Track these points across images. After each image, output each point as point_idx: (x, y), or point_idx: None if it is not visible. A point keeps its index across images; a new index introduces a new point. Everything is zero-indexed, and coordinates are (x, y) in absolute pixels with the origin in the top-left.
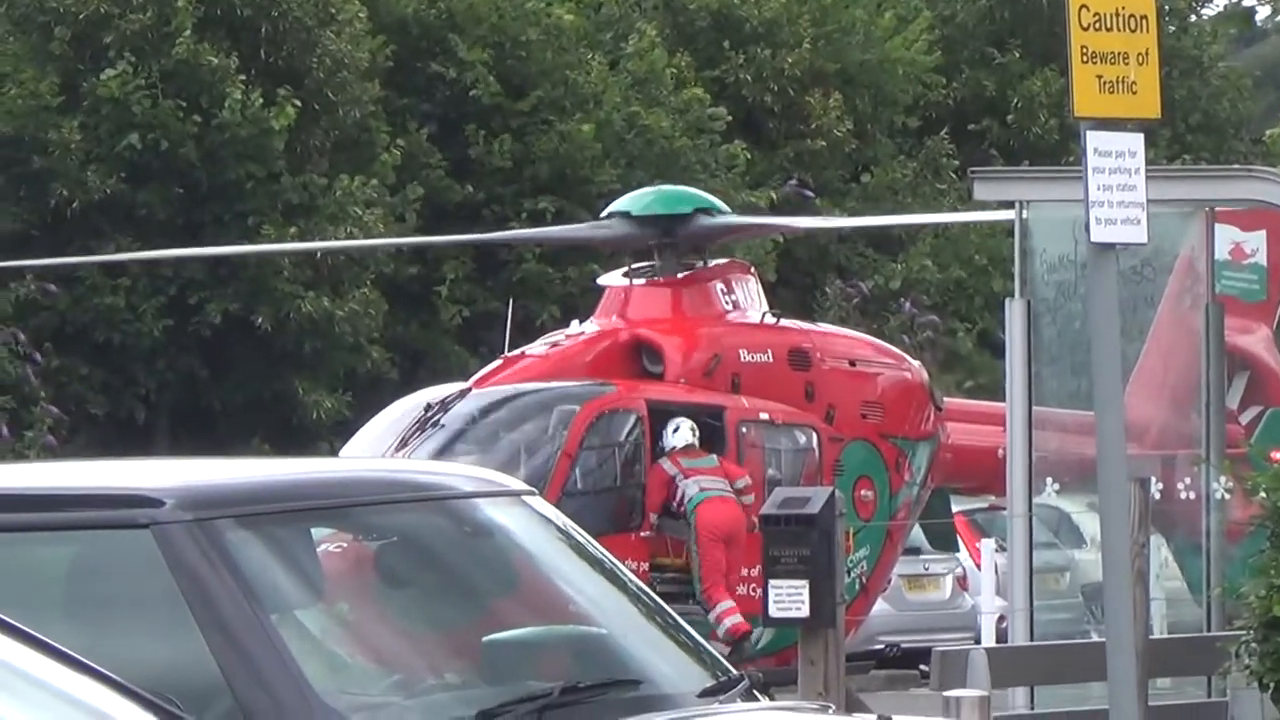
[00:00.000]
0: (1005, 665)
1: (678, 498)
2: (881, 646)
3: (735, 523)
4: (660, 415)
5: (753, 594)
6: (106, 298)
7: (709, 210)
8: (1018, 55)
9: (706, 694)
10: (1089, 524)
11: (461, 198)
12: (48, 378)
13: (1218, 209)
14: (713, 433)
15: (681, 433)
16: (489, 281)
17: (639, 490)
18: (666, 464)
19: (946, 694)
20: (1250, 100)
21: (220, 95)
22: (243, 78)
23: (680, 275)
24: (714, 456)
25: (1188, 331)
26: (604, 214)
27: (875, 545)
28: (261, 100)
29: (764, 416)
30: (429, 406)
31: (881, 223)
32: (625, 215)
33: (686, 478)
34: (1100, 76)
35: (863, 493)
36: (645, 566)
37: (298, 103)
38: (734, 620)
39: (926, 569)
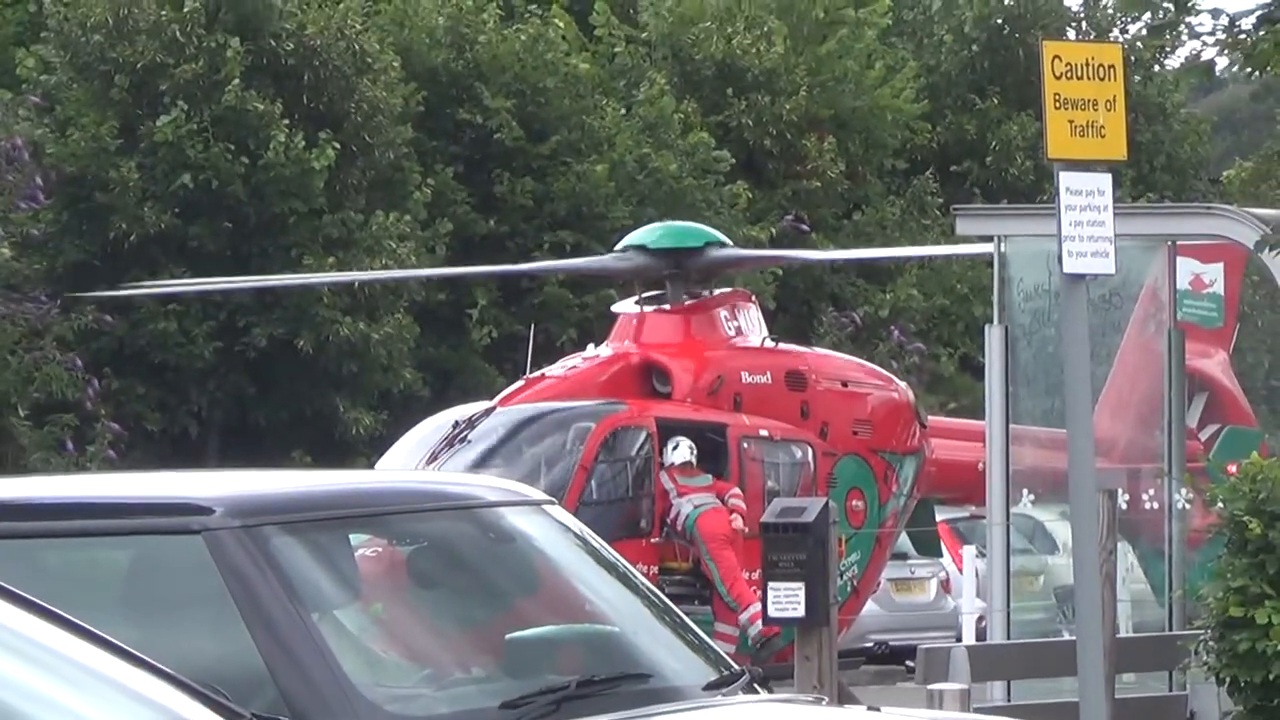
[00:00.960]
0: (984, 661)
1: (672, 515)
2: (871, 644)
3: (731, 529)
4: (668, 432)
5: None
6: (160, 323)
7: (717, 244)
8: (996, 102)
9: (711, 687)
10: (1061, 531)
11: (487, 231)
12: (107, 397)
13: (1179, 243)
14: (716, 448)
15: (680, 451)
16: (513, 307)
17: (649, 500)
18: (665, 479)
19: (930, 687)
20: (1209, 144)
21: (266, 138)
22: (286, 122)
23: (687, 303)
24: (708, 476)
25: (1151, 355)
26: (620, 246)
27: (865, 551)
28: (303, 142)
29: (763, 433)
30: (457, 423)
31: (871, 255)
32: (641, 248)
33: (680, 495)
34: (1072, 122)
35: (854, 503)
36: (655, 570)
37: (337, 145)
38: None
39: (912, 573)
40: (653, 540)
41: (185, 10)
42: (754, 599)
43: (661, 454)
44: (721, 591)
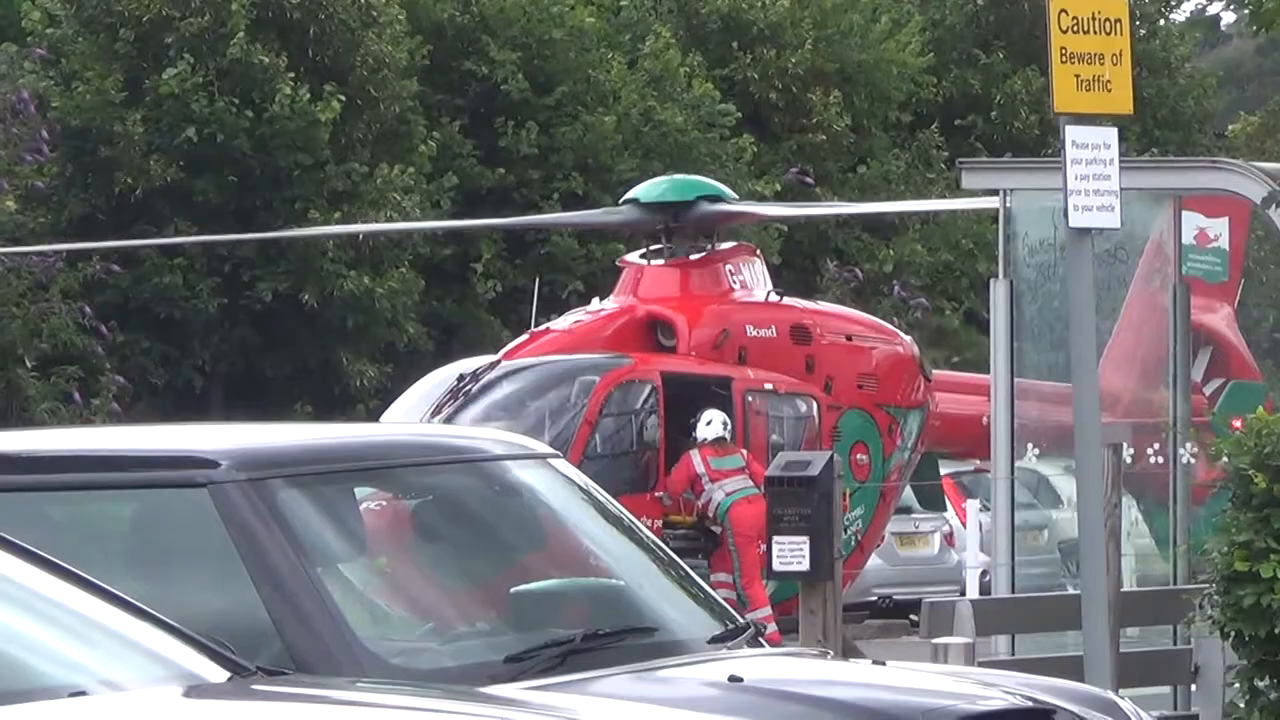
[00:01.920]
0: (988, 616)
1: (703, 501)
2: (875, 598)
3: (763, 524)
4: (673, 385)
5: None
6: (165, 277)
7: (712, 197)
8: (1002, 56)
9: (715, 640)
10: (1066, 486)
11: (492, 183)
12: (113, 350)
13: (1184, 197)
14: (721, 401)
15: (714, 426)
16: (518, 259)
17: (654, 454)
18: (696, 459)
19: (935, 641)
20: (1214, 98)
21: (271, 91)
22: (292, 75)
23: (691, 257)
24: (741, 453)
25: (1156, 310)
26: (620, 201)
27: (870, 505)
28: (309, 96)
29: (768, 386)
30: (461, 377)
31: (876, 209)
32: (636, 202)
33: (713, 481)
34: (1078, 75)
35: (858, 457)
36: (659, 524)
37: (342, 98)
38: (770, 629)
39: (917, 527)
40: (657, 494)
41: None
42: (765, 603)
43: (666, 407)
44: (737, 582)
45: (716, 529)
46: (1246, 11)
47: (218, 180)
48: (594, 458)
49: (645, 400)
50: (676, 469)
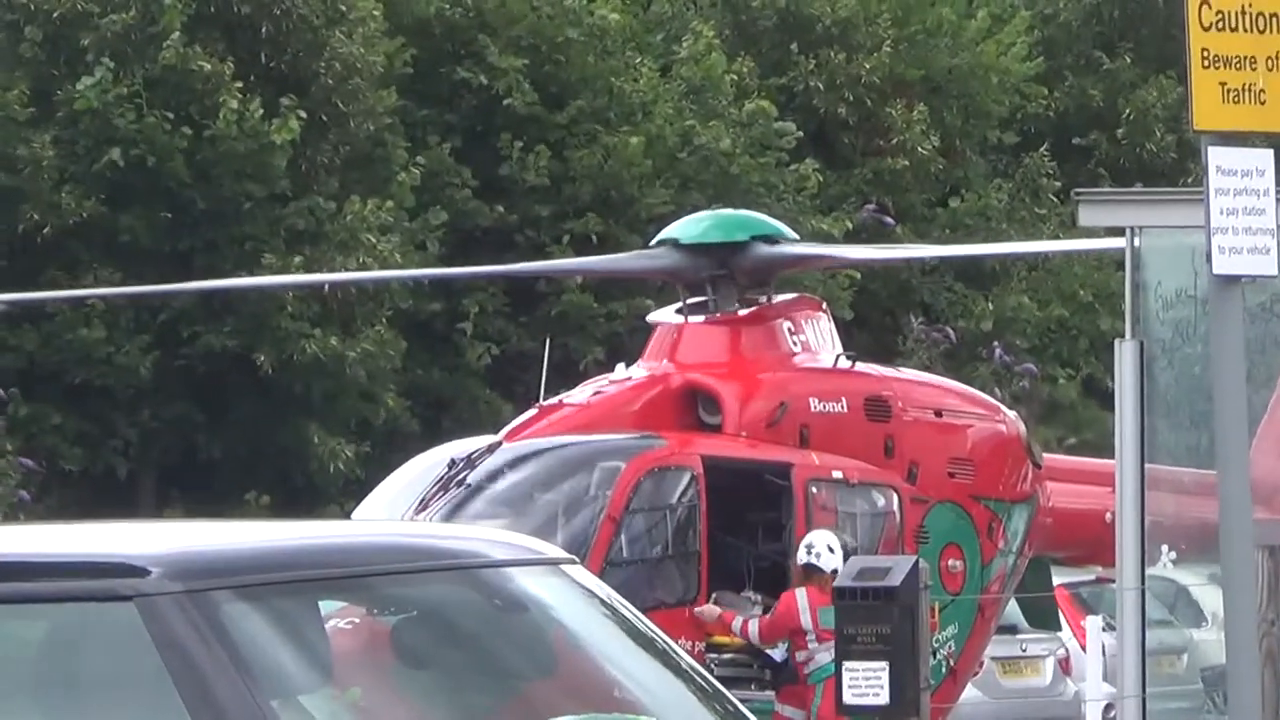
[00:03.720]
0: None
1: (802, 660)
2: None
3: None
4: (717, 474)
5: None
6: (82, 330)
7: (770, 238)
8: (1129, 61)
9: None
10: (1210, 598)
11: (491, 221)
12: (14, 428)
13: None
14: (778, 493)
15: (825, 558)
16: (523, 317)
17: (694, 559)
18: (803, 606)
19: None
20: None
21: (214, 105)
22: (240, 85)
23: (741, 312)
24: None
25: None
26: (654, 242)
27: (965, 622)
28: (261, 111)
29: (837, 475)
30: (453, 462)
31: (972, 253)
32: (674, 243)
33: (819, 641)
34: (1224, 84)
35: (950, 562)
36: (701, 646)
37: (303, 114)
38: None
39: (1024, 650)
40: (698, 609)
41: None
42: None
43: (708, 501)
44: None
45: (774, 653)
46: None
47: (148, 216)
48: (619, 564)
49: (683, 493)
50: (777, 614)
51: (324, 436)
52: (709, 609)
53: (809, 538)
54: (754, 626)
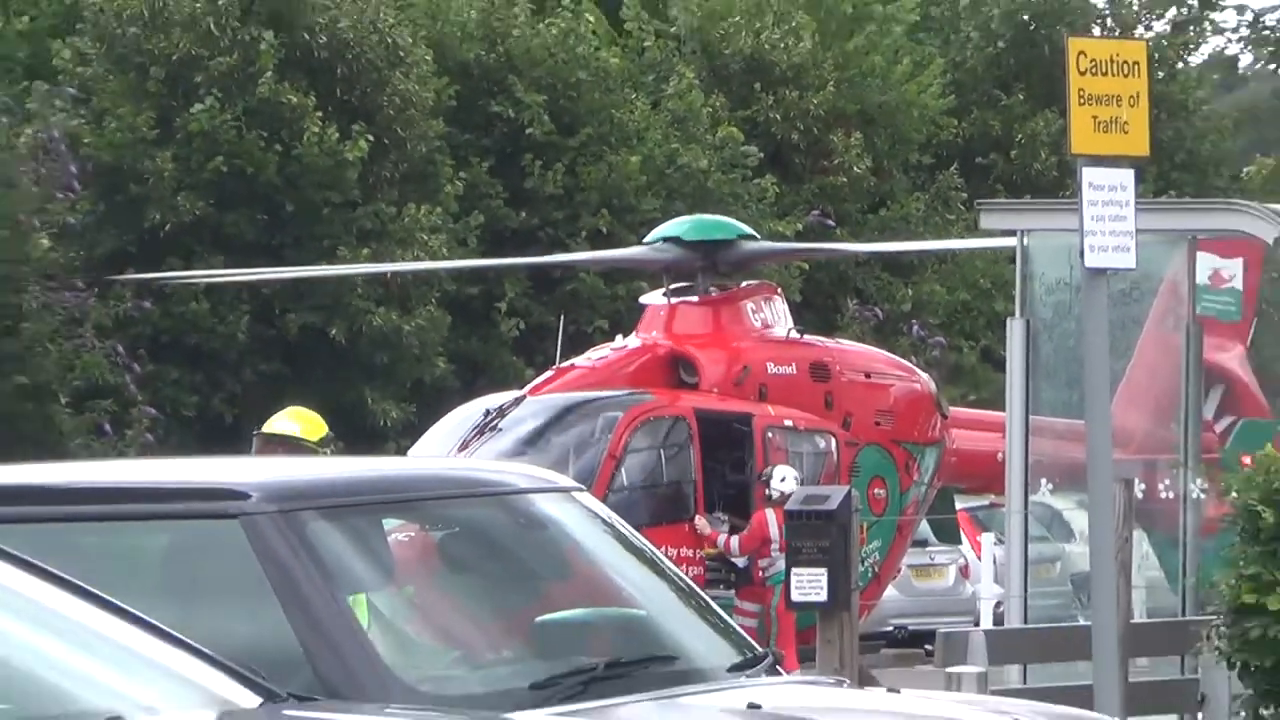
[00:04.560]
0: (1001, 646)
1: (764, 564)
2: (891, 628)
3: None
4: (698, 422)
5: None
6: (193, 305)
7: (748, 238)
8: (1021, 98)
9: (735, 669)
10: (1078, 520)
11: (518, 224)
12: (144, 383)
13: (1199, 238)
14: (742, 437)
15: (788, 483)
16: (544, 297)
17: (678, 487)
18: (771, 522)
19: (949, 670)
20: (1230, 141)
21: (299, 130)
22: (320, 114)
23: (715, 295)
24: None
25: (1170, 349)
26: (651, 238)
27: (887, 538)
28: (337, 135)
29: (788, 423)
30: (488, 412)
31: (895, 249)
32: (676, 240)
33: (781, 551)
34: (1095, 117)
35: (876, 491)
36: (702, 554)
37: (370, 137)
38: None
39: (932, 559)
40: (685, 526)
41: (219, 3)
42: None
43: (700, 443)
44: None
45: (739, 561)
46: (1266, 51)
47: (247, 216)
48: (618, 491)
49: (667, 435)
50: (753, 529)
51: (376, 398)
52: (701, 523)
53: (775, 471)
54: (735, 542)
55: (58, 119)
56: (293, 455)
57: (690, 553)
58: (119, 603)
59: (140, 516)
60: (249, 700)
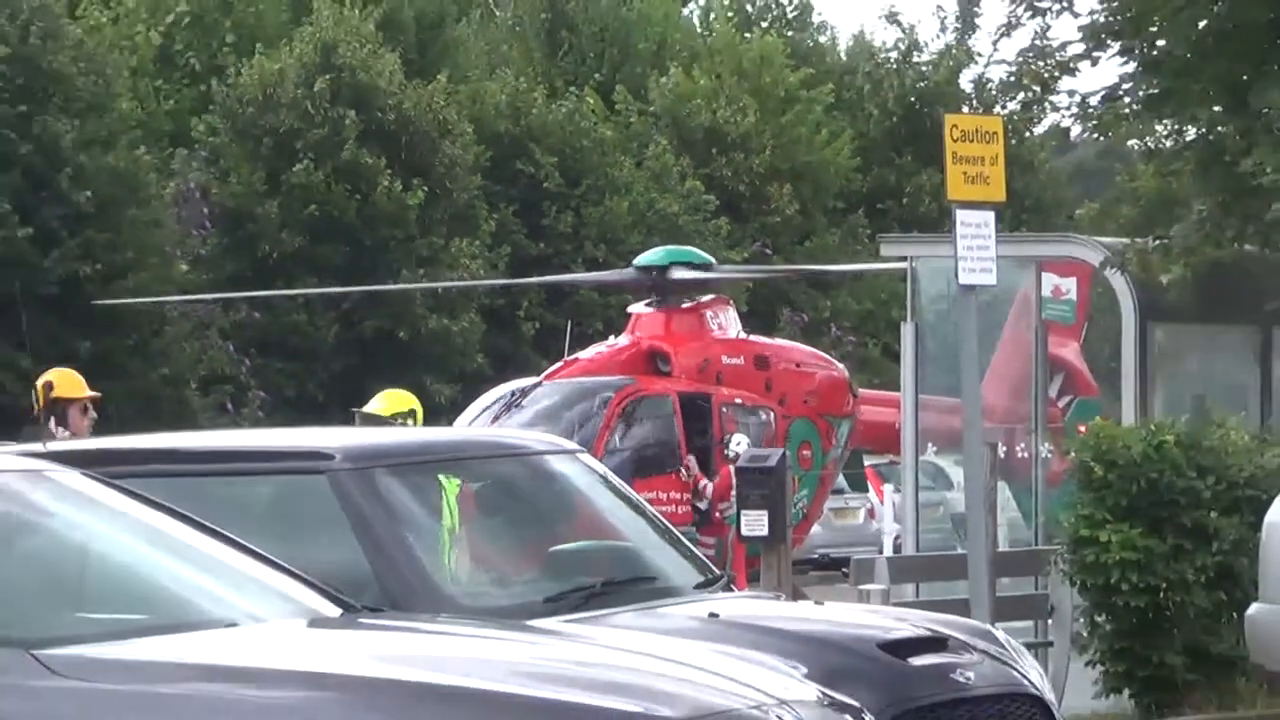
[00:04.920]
0: (899, 569)
1: (723, 506)
2: (817, 556)
3: None
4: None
5: None
6: (293, 315)
7: (708, 264)
8: (911, 158)
9: (700, 586)
10: (956, 474)
11: (536, 253)
12: (255, 373)
13: (1043, 262)
14: (703, 411)
15: (742, 445)
16: (555, 307)
17: (664, 446)
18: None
19: (860, 588)
20: (1066, 191)
21: (374, 184)
22: (389, 171)
23: (684, 306)
24: None
25: (1023, 345)
26: (636, 263)
27: (812, 488)
28: (401, 187)
29: (738, 401)
30: (513, 393)
31: (817, 271)
32: (655, 265)
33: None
34: (965, 173)
35: (804, 452)
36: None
37: (425, 188)
38: None
39: (847, 504)
40: (671, 476)
41: (315, 89)
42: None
43: (683, 417)
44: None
45: (702, 504)
46: (1091, 124)
47: (334, 248)
48: (611, 452)
49: (655, 408)
50: (723, 480)
51: (434, 381)
52: (693, 464)
53: (732, 438)
54: (710, 488)
55: (194, 176)
56: (374, 425)
57: (678, 495)
58: (233, 536)
59: (251, 473)
60: (332, 611)
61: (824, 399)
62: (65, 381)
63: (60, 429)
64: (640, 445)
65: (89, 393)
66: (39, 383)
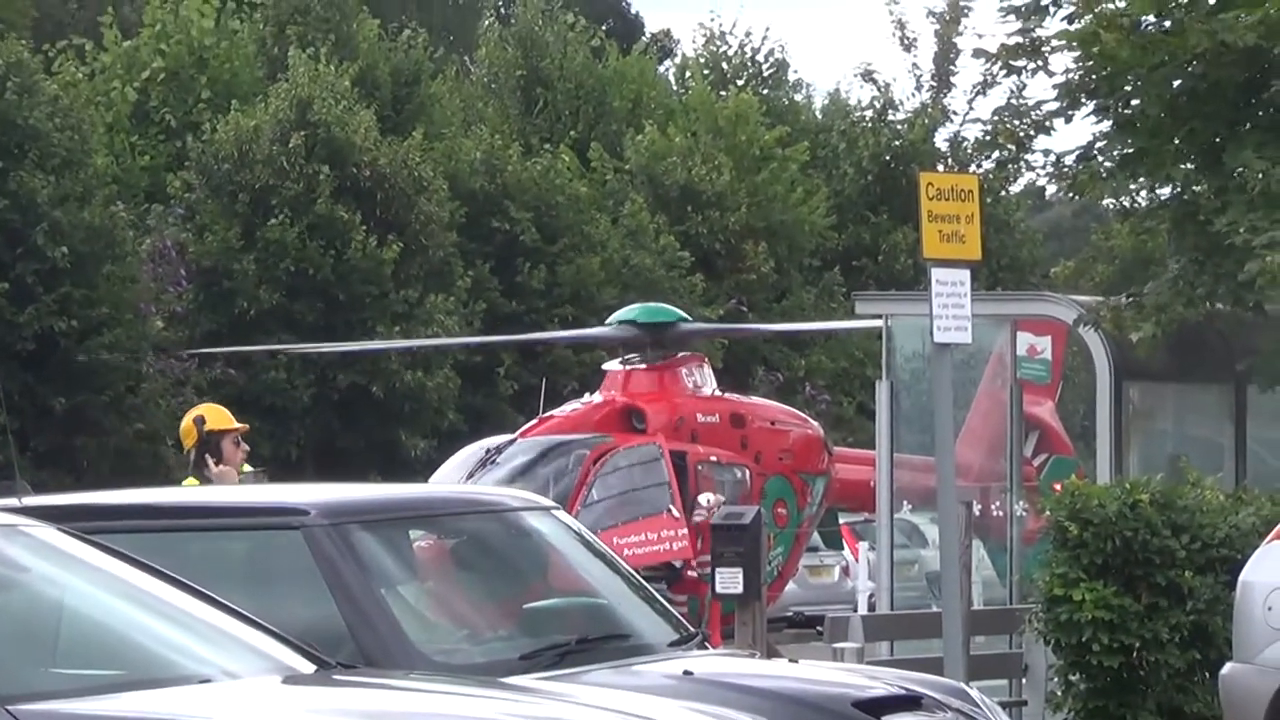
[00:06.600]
0: (874, 627)
1: (699, 561)
2: (791, 613)
3: None
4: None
5: None
6: (270, 374)
7: (685, 321)
8: (886, 217)
9: (674, 644)
10: (931, 531)
11: (511, 309)
12: None
13: (1019, 321)
14: (679, 469)
15: (712, 503)
16: (530, 364)
17: (643, 491)
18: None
19: (834, 646)
20: (1040, 249)
21: (349, 239)
22: (364, 227)
23: (659, 363)
24: None
25: (998, 404)
26: (611, 321)
27: (787, 545)
28: (376, 242)
29: (713, 459)
30: (488, 450)
31: (792, 329)
32: (630, 322)
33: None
34: (941, 231)
35: (779, 510)
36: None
37: (400, 244)
38: None
39: (822, 561)
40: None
41: (290, 145)
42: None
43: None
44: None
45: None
46: (1065, 184)
47: (310, 304)
48: (587, 506)
49: (624, 465)
50: (704, 539)
51: (408, 436)
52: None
53: (700, 498)
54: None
55: (169, 232)
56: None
57: (670, 533)
58: (208, 591)
59: (226, 528)
60: (307, 667)
61: (799, 457)
62: (215, 415)
63: (214, 461)
64: (625, 491)
65: (238, 425)
66: (188, 419)
